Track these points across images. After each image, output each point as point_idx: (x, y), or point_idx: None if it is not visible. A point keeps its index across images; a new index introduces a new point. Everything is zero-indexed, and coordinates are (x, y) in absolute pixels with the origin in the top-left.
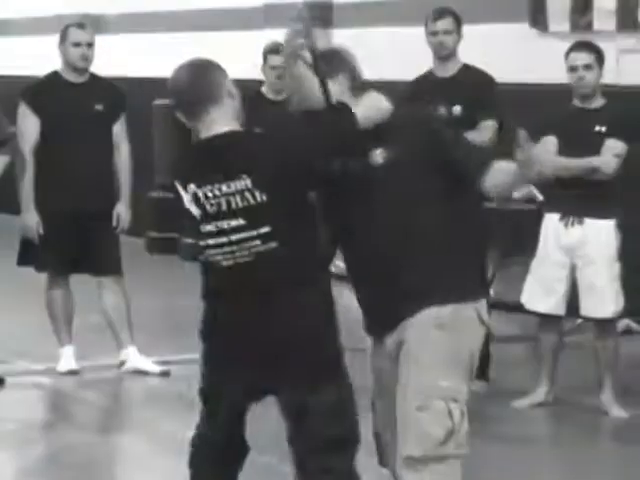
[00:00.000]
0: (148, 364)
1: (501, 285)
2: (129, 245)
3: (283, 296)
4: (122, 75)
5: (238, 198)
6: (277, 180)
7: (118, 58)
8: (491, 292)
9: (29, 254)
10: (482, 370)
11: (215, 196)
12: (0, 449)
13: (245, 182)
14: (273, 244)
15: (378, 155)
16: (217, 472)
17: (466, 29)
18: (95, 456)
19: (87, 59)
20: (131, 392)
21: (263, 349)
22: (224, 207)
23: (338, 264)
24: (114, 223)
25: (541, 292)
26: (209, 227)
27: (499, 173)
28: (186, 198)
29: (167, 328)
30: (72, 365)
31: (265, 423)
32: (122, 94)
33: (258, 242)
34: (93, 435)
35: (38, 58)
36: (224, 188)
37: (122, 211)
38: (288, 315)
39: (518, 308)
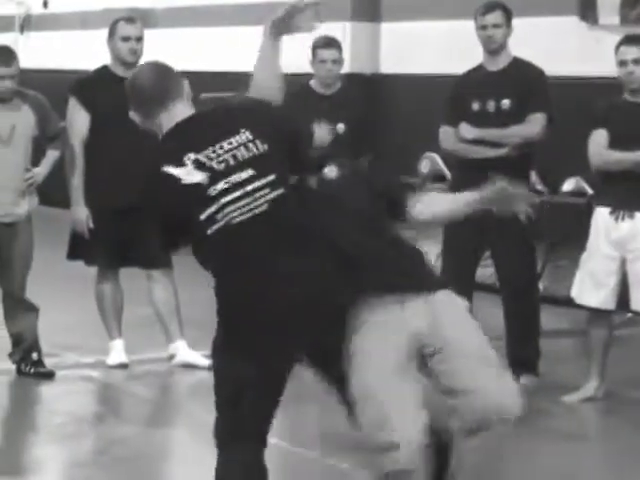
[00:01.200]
0: (197, 357)
1: (550, 279)
2: None
3: (302, 243)
4: None
5: (243, 150)
6: (273, 131)
7: (167, 52)
8: (540, 286)
9: (79, 248)
10: (532, 364)
11: (219, 154)
12: (49, 442)
13: (246, 134)
14: (281, 190)
15: (330, 171)
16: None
17: (516, 22)
18: (144, 449)
19: (136, 53)
20: (180, 385)
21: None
22: (232, 162)
23: None
24: None
25: (591, 286)
26: (221, 185)
27: (426, 205)
28: (184, 172)
29: (216, 321)
30: (122, 358)
31: (309, 420)
32: None
33: (268, 190)
34: (142, 428)
35: (87, 52)
36: (226, 145)
37: None
38: (310, 265)
39: (568, 302)
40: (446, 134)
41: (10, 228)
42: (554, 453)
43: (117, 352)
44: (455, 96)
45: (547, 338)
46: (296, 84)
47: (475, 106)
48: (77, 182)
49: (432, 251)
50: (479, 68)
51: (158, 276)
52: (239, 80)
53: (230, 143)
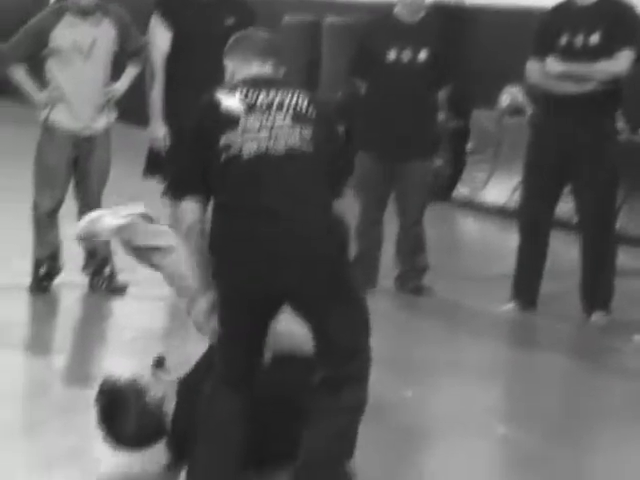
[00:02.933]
0: None
1: (627, 219)
2: None
3: (303, 197)
4: None
5: (294, 100)
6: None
7: None
8: (617, 226)
9: (155, 166)
10: (605, 302)
11: (268, 95)
12: (119, 355)
13: (304, 99)
14: (310, 148)
15: None
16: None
17: None
18: None
19: None
20: None
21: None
22: (275, 104)
23: (461, 190)
24: None
25: None
26: (252, 119)
27: None
28: (228, 98)
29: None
30: None
31: None
32: (252, 10)
33: (297, 139)
34: None
35: None
36: (280, 93)
37: None
38: (310, 220)
39: None
40: (533, 67)
41: (88, 142)
42: (623, 391)
43: None
44: (543, 30)
45: (620, 277)
46: (380, 11)
47: (563, 40)
48: (156, 100)
49: (507, 184)
50: (569, 2)
51: None
52: (324, 5)
53: (283, 93)
